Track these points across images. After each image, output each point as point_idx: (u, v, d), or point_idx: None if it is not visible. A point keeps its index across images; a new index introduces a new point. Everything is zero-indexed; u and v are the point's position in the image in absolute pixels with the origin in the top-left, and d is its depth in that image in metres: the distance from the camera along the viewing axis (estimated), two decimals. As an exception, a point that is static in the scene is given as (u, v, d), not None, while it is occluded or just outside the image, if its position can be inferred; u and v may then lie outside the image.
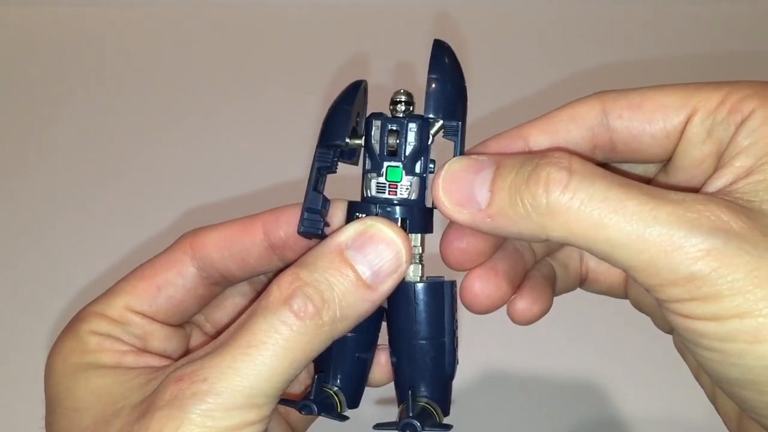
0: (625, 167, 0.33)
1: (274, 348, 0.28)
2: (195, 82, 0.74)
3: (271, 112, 0.72)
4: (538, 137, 0.31)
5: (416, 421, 0.30)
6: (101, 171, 0.69)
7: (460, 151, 0.31)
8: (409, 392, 0.32)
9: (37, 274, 0.63)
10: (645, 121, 0.30)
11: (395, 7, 0.77)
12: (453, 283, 0.33)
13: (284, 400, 0.32)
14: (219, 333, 0.37)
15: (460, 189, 0.28)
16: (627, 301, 0.38)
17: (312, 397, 0.32)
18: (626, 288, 0.37)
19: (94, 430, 0.29)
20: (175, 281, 0.34)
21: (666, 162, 0.31)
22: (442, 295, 0.32)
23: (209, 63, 0.75)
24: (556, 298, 0.35)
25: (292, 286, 0.28)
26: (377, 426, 0.32)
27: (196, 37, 0.77)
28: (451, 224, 0.32)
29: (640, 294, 0.36)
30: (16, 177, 0.69)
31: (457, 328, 0.33)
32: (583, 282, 0.37)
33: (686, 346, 0.27)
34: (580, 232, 0.26)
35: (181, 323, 0.35)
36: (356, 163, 0.33)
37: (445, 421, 0.32)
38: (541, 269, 0.35)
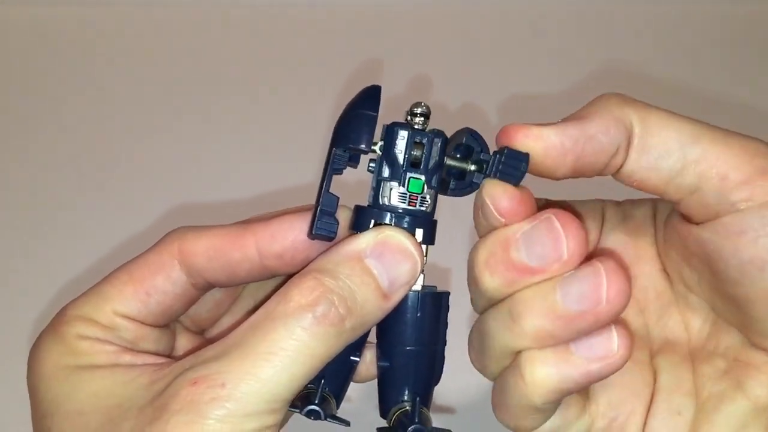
0: None
1: (295, 354, 0.28)
2: (185, 81, 0.73)
3: (260, 112, 0.71)
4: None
5: (425, 429, 0.31)
6: (84, 168, 0.67)
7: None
8: (409, 402, 0.32)
9: (16, 272, 0.61)
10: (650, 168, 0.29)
11: (407, 9, 0.76)
12: (447, 294, 0.34)
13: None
14: (200, 328, 0.37)
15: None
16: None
17: (317, 402, 0.32)
18: None
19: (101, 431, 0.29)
20: (165, 287, 0.33)
21: None
22: (441, 305, 0.33)
23: (201, 62, 0.74)
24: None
25: (316, 292, 0.28)
26: (380, 430, 0.32)
27: (188, 36, 0.76)
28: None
29: None
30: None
31: (445, 337, 0.34)
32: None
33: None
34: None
35: (168, 323, 0.35)
36: (356, 167, 0.33)
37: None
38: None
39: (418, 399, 0.32)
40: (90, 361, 0.31)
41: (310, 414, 0.32)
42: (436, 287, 0.33)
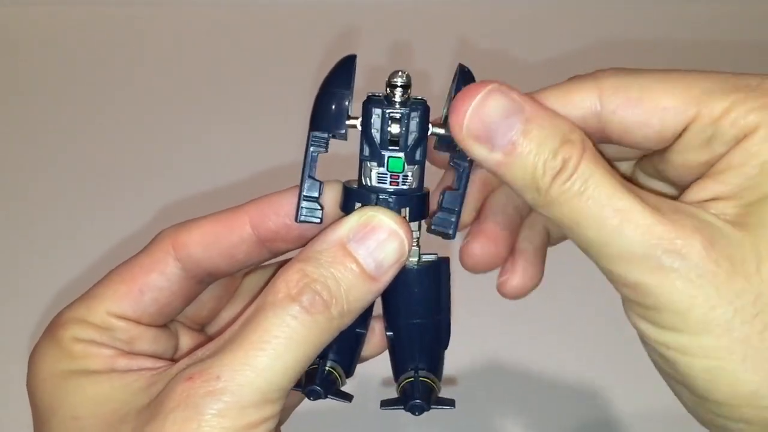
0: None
1: (287, 342, 0.28)
2: (169, 77, 0.73)
3: (244, 100, 0.71)
4: (554, 101, 0.30)
5: (424, 403, 0.31)
6: (77, 170, 0.67)
7: (467, 181, 0.31)
8: (413, 372, 0.33)
9: (13, 276, 0.61)
10: (641, 122, 0.28)
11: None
12: (447, 261, 0.33)
13: None
14: (200, 326, 0.37)
15: (484, 126, 0.27)
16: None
17: (318, 382, 0.32)
18: None
19: None
20: (159, 283, 0.33)
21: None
22: (439, 274, 0.33)
23: (185, 58, 0.75)
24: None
25: (300, 282, 0.28)
26: (384, 403, 0.33)
27: (173, 32, 0.76)
28: (473, 239, 0.34)
29: None
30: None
31: (449, 302, 0.34)
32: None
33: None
34: (572, 219, 0.27)
35: (166, 323, 0.35)
36: (345, 138, 0.32)
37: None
38: (532, 239, 0.36)
39: (414, 372, 0.32)
40: (85, 366, 0.31)
41: (311, 394, 0.32)
42: (436, 255, 0.33)
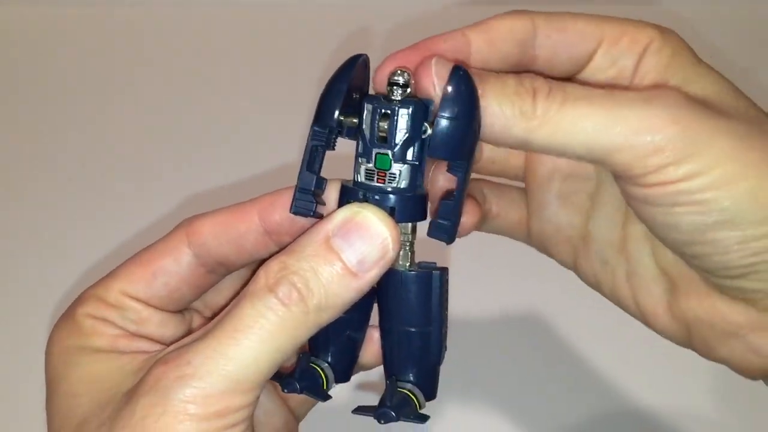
0: None
1: (260, 333, 0.28)
2: (189, 72, 0.75)
3: (266, 95, 0.72)
4: (480, 45, 0.32)
5: (392, 411, 0.30)
6: (100, 160, 0.70)
7: (463, 188, 0.31)
8: (388, 382, 0.32)
9: (37, 262, 0.64)
10: (568, 45, 0.33)
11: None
12: (444, 271, 0.32)
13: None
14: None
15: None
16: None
17: (297, 375, 0.32)
18: (528, 224, 0.38)
19: (90, 415, 0.30)
20: (171, 268, 0.34)
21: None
22: (430, 285, 0.32)
23: (203, 54, 0.76)
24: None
25: (279, 274, 0.28)
26: (357, 409, 0.32)
27: (189, 30, 0.78)
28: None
29: (544, 226, 0.37)
30: (16, 168, 0.70)
31: (446, 316, 0.33)
32: (485, 219, 0.38)
33: (654, 218, 0.31)
34: (566, 130, 0.29)
35: (179, 310, 0.35)
36: (344, 135, 0.32)
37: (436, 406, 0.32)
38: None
39: (389, 381, 0.32)
40: (90, 343, 0.32)
41: (285, 385, 0.32)
42: (435, 263, 0.32)
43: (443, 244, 0.31)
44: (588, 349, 0.59)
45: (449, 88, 0.29)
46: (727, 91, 0.32)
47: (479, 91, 0.29)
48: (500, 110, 0.29)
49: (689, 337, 0.35)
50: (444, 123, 0.29)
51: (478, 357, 0.58)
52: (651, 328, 0.36)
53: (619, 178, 0.31)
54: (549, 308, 0.61)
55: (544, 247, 0.38)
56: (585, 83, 0.33)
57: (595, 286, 0.37)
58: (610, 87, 0.32)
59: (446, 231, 0.31)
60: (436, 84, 0.29)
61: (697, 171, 0.29)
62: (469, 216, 0.35)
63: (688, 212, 0.30)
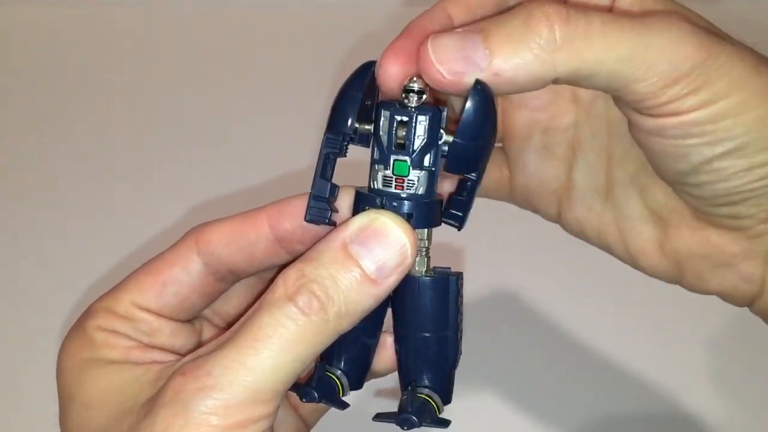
0: None
1: (280, 342, 0.28)
2: (196, 78, 0.74)
3: (275, 102, 0.72)
4: (460, 14, 0.32)
5: (414, 417, 0.30)
6: (106, 169, 0.69)
7: (476, 189, 0.31)
8: (409, 388, 0.32)
9: (45, 272, 0.64)
10: None
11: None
12: (459, 276, 0.32)
13: None
14: (229, 326, 0.37)
15: (454, 56, 0.28)
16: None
17: (314, 384, 0.32)
18: (511, 182, 0.38)
19: (107, 428, 0.30)
20: (181, 278, 0.34)
21: None
22: (447, 289, 0.32)
23: (210, 59, 0.76)
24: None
25: (298, 282, 0.28)
26: (377, 416, 0.32)
27: (197, 34, 0.78)
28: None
29: (528, 182, 0.37)
30: (23, 176, 0.69)
31: (461, 320, 0.33)
32: None
33: (665, 149, 0.30)
34: (591, 57, 0.28)
35: (189, 318, 0.35)
36: (356, 143, 0.32)
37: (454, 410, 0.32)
38: None
39: (410, 387, 0.32)
40: (103, 355, 0.32)
41: (304, 395, 0.31)
42: (449, 269, 0.32)
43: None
44: (590, 342, 0.59)
45: (467, 106, 0.29)
46: (702, 18, 0.31)
47: (485, 51, 0.28)
48: (520, 60, 0.28)
49: (680, 273, 0.35)
50: (463, 145, 0.29)
51: (478, 356, 0.58)
52: (639, 269, 0.36)
53: (631, 109, 0.30)
54: (549, 306, 0.61)
55: (528, 203, 0.38)
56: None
57: (580, 234, 0.37)
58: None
59: (458, 220, 0.32)
60: (442, 71, 0.28)
61: (710, 99, 0.29)
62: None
63: (699, 142, 0.29)
